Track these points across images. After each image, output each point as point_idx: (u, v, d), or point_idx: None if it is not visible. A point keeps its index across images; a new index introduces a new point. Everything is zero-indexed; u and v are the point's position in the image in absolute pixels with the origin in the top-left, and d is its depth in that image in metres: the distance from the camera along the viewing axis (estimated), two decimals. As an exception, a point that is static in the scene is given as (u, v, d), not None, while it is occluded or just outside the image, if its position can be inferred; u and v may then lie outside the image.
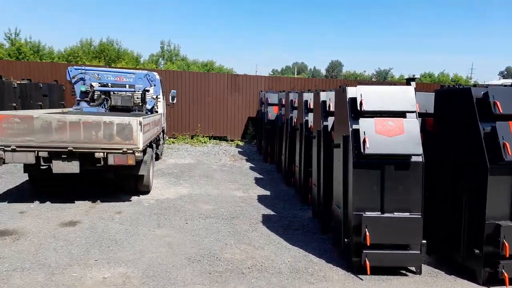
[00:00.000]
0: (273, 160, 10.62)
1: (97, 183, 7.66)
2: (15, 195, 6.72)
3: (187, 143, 14.29)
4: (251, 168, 10.42)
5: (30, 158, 5.55)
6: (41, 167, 5.83)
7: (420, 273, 4.27)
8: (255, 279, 4.06)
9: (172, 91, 10.81)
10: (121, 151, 5.79)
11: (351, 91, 4.12)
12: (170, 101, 10.77)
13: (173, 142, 14.15)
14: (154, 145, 8.26)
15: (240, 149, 13.50)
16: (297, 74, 72.94)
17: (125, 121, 5.70)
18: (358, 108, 4.00)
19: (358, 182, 4.03)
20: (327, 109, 5.10)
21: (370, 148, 3.86)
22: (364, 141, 3.87)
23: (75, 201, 6.50)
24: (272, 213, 6.48)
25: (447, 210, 4.37)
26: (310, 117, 6.31)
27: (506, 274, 3.91)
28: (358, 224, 4.06)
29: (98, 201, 6.61)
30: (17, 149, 5.50)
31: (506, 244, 3.82)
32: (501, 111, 3.74)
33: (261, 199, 7.33)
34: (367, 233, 3.98)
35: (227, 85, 14.63)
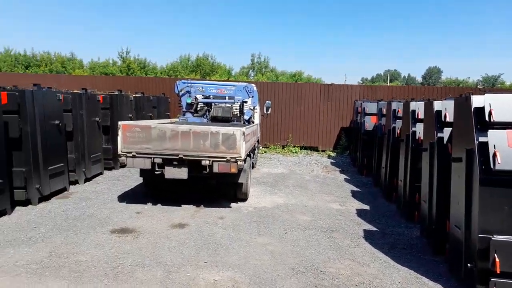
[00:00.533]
0: (370, 173, 10.14)
1: (200, 189, 8.16)
2: (132, 197, 7.48)
3: (279, 152, 14.47)
4: (345, 180, 10.10)
5: (147, 164, 6.14)
6: (155, 172, 6.40)
7: None
8: (364, 298, 3.86)
9: (267, 102, 11.08)
10: (225, 159, 6.08)
11: (477, 100, 3.71)
12: (265, 111, 11.05)
13: (265, 152, 14.47)
14: (252, 154, 8.52)
15: (332, 160, 13.22)
16: (389, 82, 69.34)
17: (230, 131, 5.97)
18: (486, 118, 3.58)
19: (486, 201, 3.59)
20: (443, 119, 4.68)
21: (502, 163, 3.41)
22: (495, 155, 3.44)
23: (182, 205, 6.99)
24: (374, 229, 6.15)
25: None
26: (418, 127, 5.87)
27: None
28: (484, 248, 3.61)
29: (202, 206, 7.01)
30: (137, 155, 6.13)
31: None
32: None
33: (360, 213, 7.02)
34: (497, 259, 3.51)
35: (320, 95, 14.50)
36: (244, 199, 7.48)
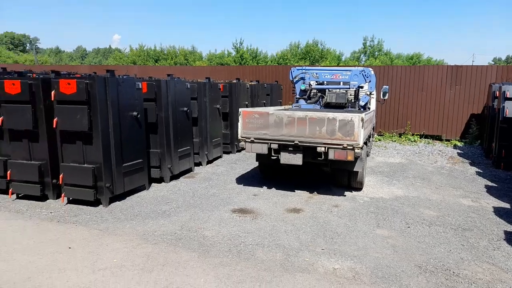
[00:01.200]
0: (510, 166, 8.73)
1: (312, 175, 8.12)
2: (248, 180, 7.84)
3: (395, 141, 13.51)
4: (477, 173, 8.89)
5: (264, 149, 6.32)
6: (271, 158, 6.55)
7: None
8: (511, 309, 3.33)
9: (384, 86, 10.35)
10: (341, 146, 5.88)
11: None
12: (381, 97, 10.35)
13: (379, 140, 13.65)
14: (367, 142, 8.10)
15: (459, 151, 11.78)
16: (530, 62, 58.57)
17: (347, 118, 5.74)
18: None
19: None
20: None
21: None
22: None
23: (295, 190, 7.05)
24: (518, 230, 5.28)
25: None
26: None
27: None
28: None
29: (315, 192, 6.95)
30: (255, 140, 6.36)
31: None
32: None
33: (499, 212, 6.10)
34: None
35: (446, 78, 12.97)
36: (358, 188, 7.18)
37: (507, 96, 8.66)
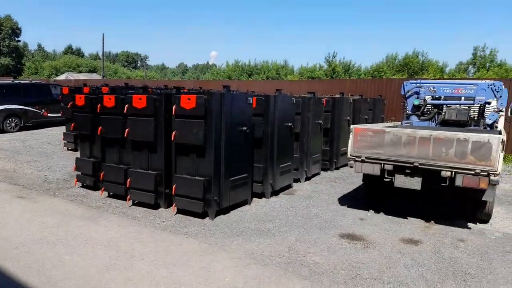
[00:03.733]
0: None
1: (427, 202, 7.29)
2: (351, 201, 7.33)
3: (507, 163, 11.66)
4: None
5: (377, 170, 5.80)
6: (384, 180, 6.00)
7: None
8: None
9: (514, 102, 8.95)
10: (473, 172, 5.10)
11: None
12: (509, 114, 8.96)
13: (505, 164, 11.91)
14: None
15: None
16: None
17: (483, 139, 4.96)
18: None
19: None
20: None
21: None
22: None
23: (408, 217, 6.35)
24: None
25: None
26: None
27: None
28: None
29: (432, 221, 6.17)
30: (366, 160, 5.88)
31: None
32: None
33: None
34: None
35: None
36: (485, 220, 6.19)
37: None
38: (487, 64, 32.63)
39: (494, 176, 5.04)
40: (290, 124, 7.49)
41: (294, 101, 7.65)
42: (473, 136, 5.05)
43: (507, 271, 4.45)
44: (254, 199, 7.14)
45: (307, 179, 8.89)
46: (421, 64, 33.83)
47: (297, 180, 8.58)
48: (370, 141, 5.78)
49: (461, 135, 5.12)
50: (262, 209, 6.62)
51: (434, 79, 10.79)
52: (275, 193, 7.49)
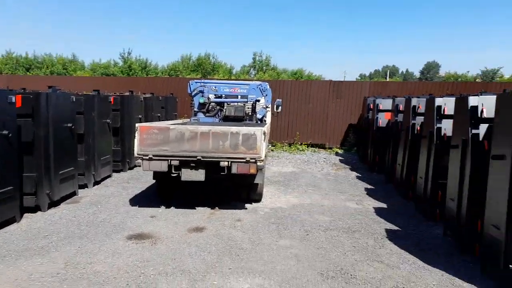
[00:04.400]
0: (382, 170, 9.96)
1: (212, 190, 7.99)
2: (144, 200, 7.28)
3: (285, 150, 14.29)
4: (357, 177, 9.93)
5: (164, 167, 5.95)
6: (172, 175, 6.20)
7: None
8: (402, 303, 3.68)
9: (278, 100, 10.89)
10: (244, 160, 5.89)
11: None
12: (275, 110, 10.86)
13: (272, 150, 14.28)
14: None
15: (340, 158, 13.04)
16: (388, 78, 69.08)
17: (250, 131, 5.78)
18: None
19: (531, 200, 3.40)
20: (479, 115, 4.48)
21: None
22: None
23: (196, 207, 6.80)
24: (395, 228, 5.98)
25: None
26: (445, 124, 5.68)
27: None
28: (529, 249, 3.43)
29: (216, 208, 6.82)
30: (154, 158, 5.94)
31: None
32: None
33: (379, 212, 6.85)
34: (544, 261, 3.33)
35: (329, 92, 14.31)
36: (258, 199, 7.30)
37: (380, 108, 9.92)
38: (264, 67, 38.46)
39: (260, 162, 5.98)
40: (70, 125, 6.76)
41: (74, 99, 6.94)
42: (242, 130, 5.83)
43: (269, 239, 5.36)
44: (26, 215, 6.11)
45: (96, 183, 8.28)
46: (212, 65, 36.74)
47: (84, 186, 7.87)
48: (156, 139, 5.86)
49: (233, 129, 5.83)
50: (36, 224, 5.74)
51: (216, 79, 11.93)
52: (55, 204, 6.62)
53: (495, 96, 4.22)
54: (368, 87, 14.16)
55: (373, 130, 10.14)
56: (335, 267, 4.46)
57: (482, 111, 4.41)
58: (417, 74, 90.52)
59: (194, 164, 5.97)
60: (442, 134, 5.65)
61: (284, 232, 5.65)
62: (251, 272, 4.29)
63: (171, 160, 5.91)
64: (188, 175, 6.03)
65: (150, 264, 4.45)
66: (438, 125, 5.74)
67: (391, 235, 5.61)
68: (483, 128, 4.38)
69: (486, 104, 4.39)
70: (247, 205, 7.06)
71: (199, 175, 6.03)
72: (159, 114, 10.99)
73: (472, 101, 4.55)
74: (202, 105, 8.67)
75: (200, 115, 8.68)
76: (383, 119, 9.70)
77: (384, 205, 7.34)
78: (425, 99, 6.70)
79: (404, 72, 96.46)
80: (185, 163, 5.98)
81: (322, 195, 7.99)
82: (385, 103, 9.78)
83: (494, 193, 3.96)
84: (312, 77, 36.81)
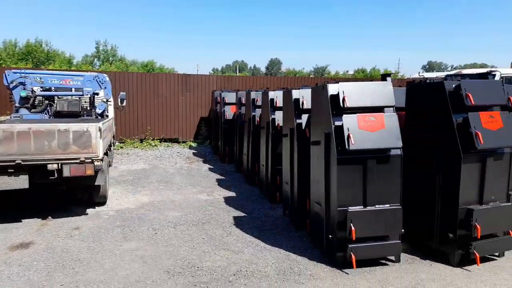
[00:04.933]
0: (232, 160, 10.42)
1: (44, 197, 6.95)
2: None
3: (137, 147, 13.55)
4: (210, 169, 10.14)
5: (-32, 175, 4.82)
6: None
7: (399, 261, 4.39)
8: (244, 286, 3.89)
9: (121, 93, 10.14)
10: (78, 160, 5.25)
11: (332, 88, 4.09)
12: (119, 103, 10.10)
13: (121, 147, 13.34)
14: (108, 152, 7.67)
15: (194, 151, 13.11)
16: (238, 72, 73.16)
17: (83, 128, 5.17)
18: (341, 104, 3.98)
19: (342, 178, 4.02)
20: (301, 106, 5.04)
21: (355, 144, 3.86)
22: (349, 137, 3.86)
23: (22, 220, 5.79)
24: (243, 214, 6.32)
25: (421, 199, 4.54)
26: (277, 115, 6.23)
27: (477, 255, 4.16)
28: (342, 219, 4.06)
29: (50, 217, 5.94)
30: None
31: (478, 227, 4.05)
32: (473, 103, 3.96)
33: (228, 201, 7.13)
34: (353, 228, 3.99)
35: (178, 85, 14.11)
36: (102, 202, 6.69)
37: (226, 101, 10.30)
38: (110, 58, 35.64)
39: (98, 161, 5.43)
40: None
41: None
42: (73, 126, 5.17)
43: (113, 244, 4.95)
44: None
45: None
46: (46, 53, 32.05)
47: None
48: (-47, 141, 4.68)
49: (61, 126, 5.12)
50: None
51: (41, 69, 10.36)
52: None
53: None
54: (216, 81, 14.57)
55: (221, 122, 10.49)
56: (183, 262, 4.41)
57: (302, 103, 5.00)
58: (263, 69, 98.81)
59: (12, 170, 5.02)
60: (276, 125, 6.21)
61: (130, 235, 5.32)
62: (87, 284, 3.87)
63: None
64: (5, 183, 5.04)
65: (-49, 299, 3.56)
66: (273, 117, 6.29)
67: (238, 222, 5.90)
68: (305, 118, 4.98)
69: (306, 97, 4.99)
70: (89, 210, 6.38)
71: (20, 182, 5.11)
72: (-33, 111, 8.92)
73: (295, 94, 5.11)
74: (24, 100, 7.36)
75: (24, 111, 7.37)
76: (229, 112, 10.12)
77: (233, 194, 7.67)
78: (261, 92, 7.25)
79: (252, 68, 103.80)
80: (1, 169, 4.98)
81: (174, 191, 7.86)
82: (230, 97, 10.22)
83: (315, 174, 4.54)
84: (165, 70, 36.01)
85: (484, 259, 4.40)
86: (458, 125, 3.98)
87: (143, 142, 13.91)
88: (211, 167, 10.47)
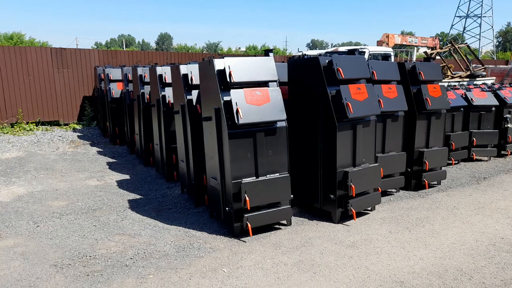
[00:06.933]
0: (124, 141, 9.87)
1: None
2: None
3: (7, 132, 11.78)
4: (99, 152, 9.44)
5: None
6: None
7: (290, 224, 4.81)
8: (142, 268, 3.81)
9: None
10: None
11: (219, 63, 4.12)
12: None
13: (-15, 134, 11.44)
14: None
15: (79, 133, 11.98)
16: (125, 47, 68.22)
17: None
18: (228, 79, 4.05)
19: (234, 152, 4.16)
20: (190, 82, 4.98)
21: (244, 118, 4.00)
22: (237, 111, 3.98)
23: None
24: (139, 196, 6.11)
25: (306, 166, 5.00)
26: (167, 91, 6.05)
27: (353, 210, 4.81)
28: (237, 191, 4.24)
29: None
30: None
31: (353, 186, 4.66)
32: (343, 76, 4.42)
33: (122, 184, 6.79)
34: (247, 198, 4.20)
35: (51, 61, 12.50)
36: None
37: (111, 78, 9.57)
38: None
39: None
40: None
41: None
42: None
43: (-16, 244, 4.33)
44: None
45: None
46: None
47: None
48: None
49: None
50: None
51: None
52: None
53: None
54: (99, 56, 13.34)
55: (108, 101, 9.75)
56: (72, 254, 4.10)
57: (191, 78, 4.95)
58: (153, 45, 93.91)
59: None
60: (167, 101, 6.05)
61: (6, 231, 4.71)
62: (-47, 293, 3.34)
63: None
64: None
65: None
66: (163, 93, 6.10)
67: (134, 205, 5.69)
68: (195, 94, 4.96)
69: (194, 72, 4.95)
70: None
71: None
72: None
73: (183, 69, 5.03)
74: None
75: None
76: (116, 90, 9.45)
77: (127, 177, 7.31)
78: (148, 68, 6.93)
79: (141, 43, 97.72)
80: None
81: (58, 178, 7.14)
82: (116, 73, 9.53)
83: (209, 150, 4.61)
84: (36, 44, 31.61)
85: (359, 214, 5.11)
86: (332, 97, 4.44)
87: (15, 126, 12.17)
88: (100, 150, 9.75)
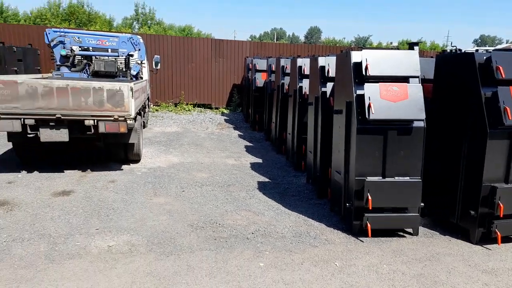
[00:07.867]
0: (262, 128, 10.57)
1: (85, 152, 7.47)
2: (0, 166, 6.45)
3: (171, 111, 13.99)
4: (239, 136, 10.37)
5: (17, 126, 5.29)
6: (28, 136, 5.56)
7: (417, 234, 4.44)
8: (260, 243, 4.12)
9: (156, 56, 10.38)
10: (112, 118, 5.59)
11: (356, 56, 4.05)
12: (154, 67, 10.38)
13: (156, 110, 13.83)
14: (142, 113, 8.03)
15: (226, 117, 13.36)
16: (276, 40, 71.77)
17: (115, 87, 5.46)
18: (363, 73, 3.96)
19: (361, 148, 4.06)
20: (326, 74, 5.02)
21: (375, 113, 3.87)
22: (369, 106, 3.86)
23: (64, 171, 6.32)
24: (267, 180, 6.52)
25: (444, 174, 4.50)
26: (304, 83, 6.22)
27: (498, 233, 4.13)
28: (360, 189, 4.14)
29: (89, 170, 6.44)
30: (2, 116, 5.21)
31: (501, 205, 3.99)
32: (503, 76, 3.80)
33: (254, 166, 7.34)
34: (369, 197, 4.06)
35: (211, 50, 14.20)
36: (136, 160, 7.11)
37: (257, 68, 10.32)
38: (149, 21, 36.03)
39: (130, 120, 5.75)
40: None
41: None
42: (106, 85, 5.47)
43: (144, 197, 5.33)
44: None
45: None
46: (88, 15, 32.85)
47: None
48: (3, 94, 5.12)
49: (96, 84, 5.43)
50: None
51: (79, 29, 10.72)
52: None
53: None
54: (249, 47, 14.49)
55: (252, 90, 10.56)
56: (206, 219, 4.71)
57: (328, 71, 4.96)
58: (302, 38, 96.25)
59: (53, 123, 5.44)
60: (303, 93, 6.22)
61: (160, 191, 5.68)
62: (119, 230, 4.25)
63: (24, 118, 5.28)
64: (48, 135, 5.48)
65: (4, 231, 4.06)
66: (300, 84, 6.29)
67: (262, 186, 6.11)
68: (329, 86, 4.97)
69: (331, 64, 4.95)
70: (124, 166, 6.82)
71: (61, 135, 5.54)
72: (16, 68, 9.52)
73: (321, 61, 5.07)
74: (64, 58, 7.76)
75: (65, 69, 7.79)
76: (260, 79, 10.15)
77: (260, 161, 7.87)
78: (290, 59, 7.20)
79: (291, 36, 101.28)
80: (43, 122, 5.41)
81: (204, 154, 8.17)
82: (262, 64, 10.21)
83: (337, 144, 4.60)
84: (202, 35, 36.07)
85: (506, 239, 4.37)
86: (486, 99, 3.86)
87: (177, 106, 14.31)
88: (241, 134, 10.69)
